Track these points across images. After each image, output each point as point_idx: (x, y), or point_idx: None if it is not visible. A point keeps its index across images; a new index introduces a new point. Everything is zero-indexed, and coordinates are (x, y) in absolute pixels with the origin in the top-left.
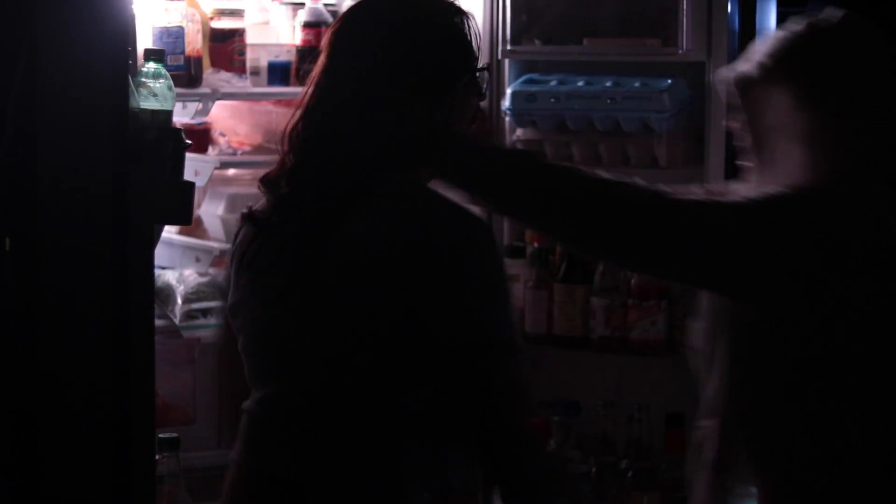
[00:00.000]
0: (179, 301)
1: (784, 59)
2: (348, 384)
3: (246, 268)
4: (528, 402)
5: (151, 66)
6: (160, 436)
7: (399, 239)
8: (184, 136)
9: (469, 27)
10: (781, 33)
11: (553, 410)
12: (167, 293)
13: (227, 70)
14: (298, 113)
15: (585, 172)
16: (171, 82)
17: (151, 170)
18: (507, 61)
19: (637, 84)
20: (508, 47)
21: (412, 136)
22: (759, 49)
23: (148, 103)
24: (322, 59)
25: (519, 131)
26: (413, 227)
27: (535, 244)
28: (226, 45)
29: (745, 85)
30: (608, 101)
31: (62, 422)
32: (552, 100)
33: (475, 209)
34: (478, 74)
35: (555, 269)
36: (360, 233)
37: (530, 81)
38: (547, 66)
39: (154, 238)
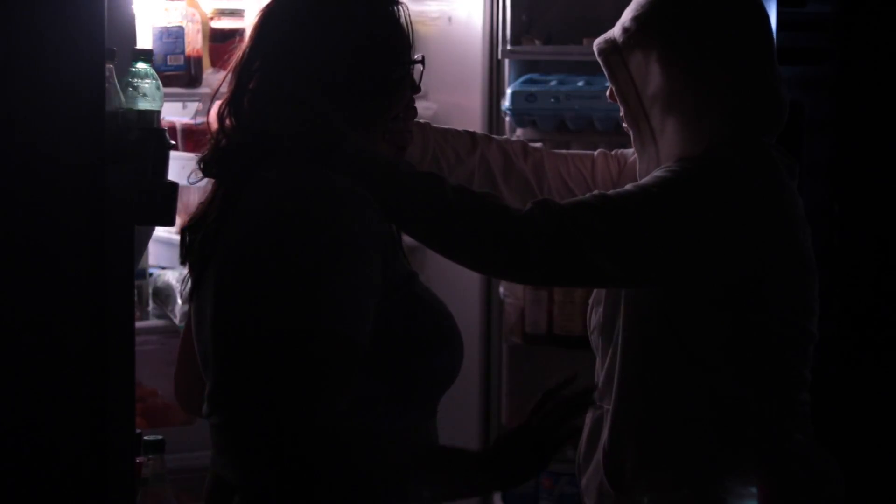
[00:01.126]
0: (179, 301)
1: (648, 21)
2: (243, 385)
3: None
4: (333, 400)
5: (140, 65)
6: (145, 438)
7: (246, 238)
8: (167, 136)
9: (403, 17)
10: None
11: None
12: (167, 293)
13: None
14: (229, 90)
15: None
16: (160, 82)
17: (133, 170)
18: (507, 61)
19: None
20: (508, 47)
21: (310, 138)
22: (625, 14)
23: (136, 103)
24: (252, 36)
25: (519, 131)
26: (264, 217)
27: None
28: (226, 45)
29: (610, 51)
30: (610, 100)
31: (34, 425)
32: (552, 100)
33: (351, 193)
34: (413, 67)
35: None
36: (230, 231)
37: (530, 81)
38: (547, 66)
39: (133, 238)
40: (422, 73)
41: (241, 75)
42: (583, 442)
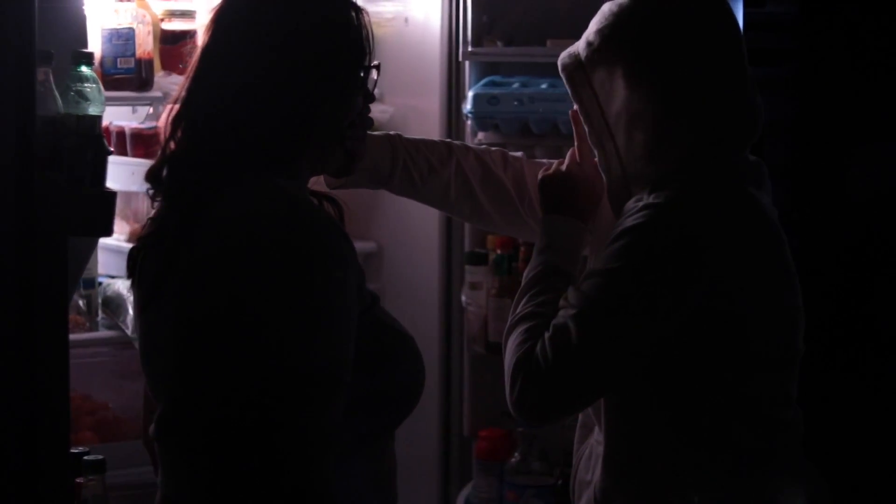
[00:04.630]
0: (131, 311)
1: (611, 35)
2: (195, 411)
3: (134, 278)
4: (327, 450)
5: (82, 69)
6: (85, 458)
7: (225, 258)
8: (106, 143)
9: (362, 23)
10: (608, 6)
11: (517, 421)
12: (118, 303)
13: (179, 73)
14: (182, 97)
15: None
16: (101, 86)
17: (69, 178)
18: (467, 63)
19: None
20: (469, 49)
21: (280, 139)
22: (589, 27)
23: (76, 108)
24: (203, 39)
25: (480, 135)
26: (239, 245)
27: (498, 251)
28: (177, 48)
29: (573, 67)
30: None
31: None
32: (515, 102)
33: (322, 220)
34: (369, 74)
35: (519, 276)
36: (193, 252)
37: (492, 84)
38: (508, 69)
39: (65, 250)
40: (376, 81)
41: (195, 80)
42: (576, 470)
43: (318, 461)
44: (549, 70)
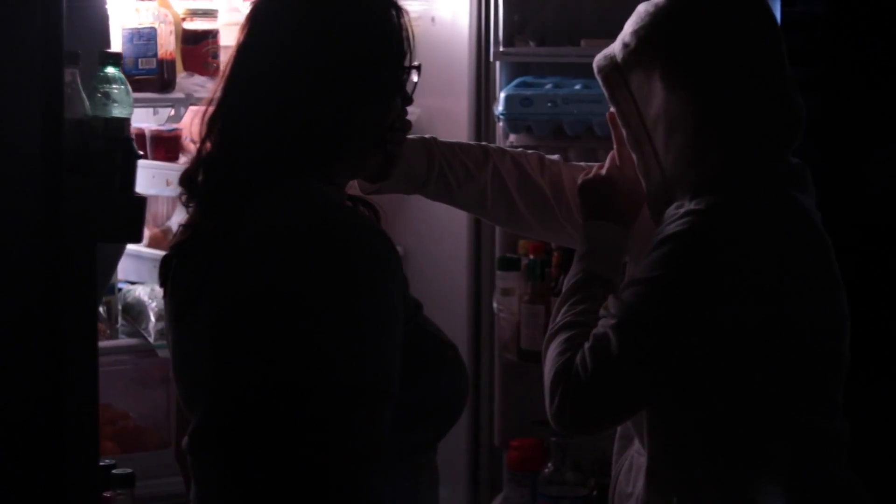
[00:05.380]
0: (153, 318)
1: (648, 36)
2: (241, 419)
3: (166, 287)
4: (374, 463)
5: (109, 70)
6: (113, 472)
7: (262, 271)
8: (135, 146)
9: (403, 24)
10: (644, 7)
11: (549, 430)
12: (139, 310)
13: (201, 73)
14: (218, 94)
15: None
16: (129, 87)
17: (97, 183)
18: (497, 64)
19: None
20: (501, 49)
21: (319, 141)
22: (625, 28)
23: (103, 110)
24: (240, 36)
25: (512, 137)
26: (277, 259)
27: (531, 256)
28: (199, 48)
29: (609, 69)
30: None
31: None
32: (549, 104)
33: (367, 227)
34: (409, 76)
35: (552, 281)
36: (233, 259)
37: (524, 85)
38: (539, 69)
39: (94, 256)
40: (416, 83)
41: (230, 80)
42: (616, 481)
43: (365, 478)
44: (581, 70)
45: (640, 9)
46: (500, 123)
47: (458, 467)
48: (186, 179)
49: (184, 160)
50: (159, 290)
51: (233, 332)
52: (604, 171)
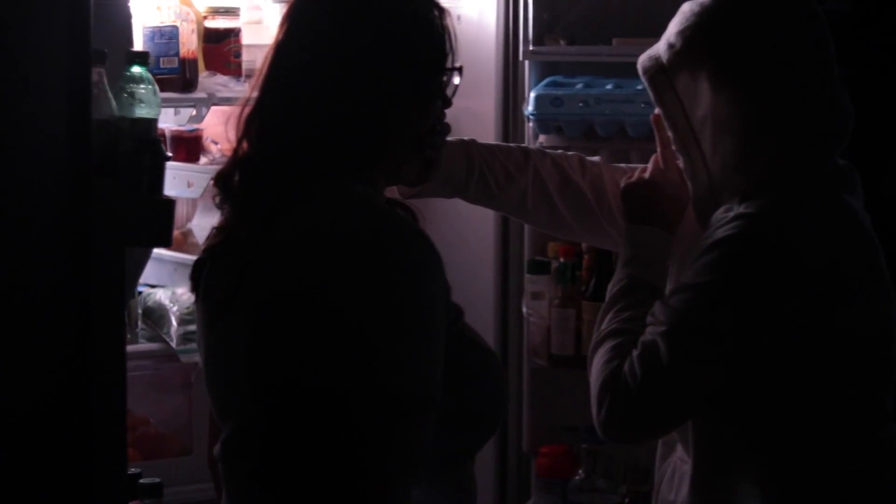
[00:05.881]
0: (175, 323)
1: (695, 36)
2: (279, 428)
3: (198, 292)
4: (416, 475)
5: (135, 69)
6: (141, 481)
7: (301, 275)
8: (164, 147)
9: (445, 24)
10: (689, 6)
11: (580, 436)
12: (160, 314)
13: (223, 73)
14: (255, 93)
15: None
16: (157, 87)
17: (125, 185)
18: (525, 63)
19: None
20: (531, 48)
21: (359, 143)
22: (669, 28)
23: (130, 111)
24: (278, 34)
25: (542, 138)
26: (316, 264)
27: (561, 259)
28: (221, 46)
29: (655, 70)
30: (643, 105)
31: (13, 472)
32: (580, 104)
33: (409, 231)
34: (449, 77)
35: (583, 285)
36: (270, 262)
37: (555, 84)
38: (568, 68)
39: (123, 262)
40: (457, 85)
41: (268, 79)
42: (659, 488)
43: (406, 490)
44: (612, 70)
45: (685, 8)
46: (530, 124)
47: (485, 474)
48: (222, 180)
49: (204, 161)
50: (180, 294)
51: (269, 336)
52: (647, 174)
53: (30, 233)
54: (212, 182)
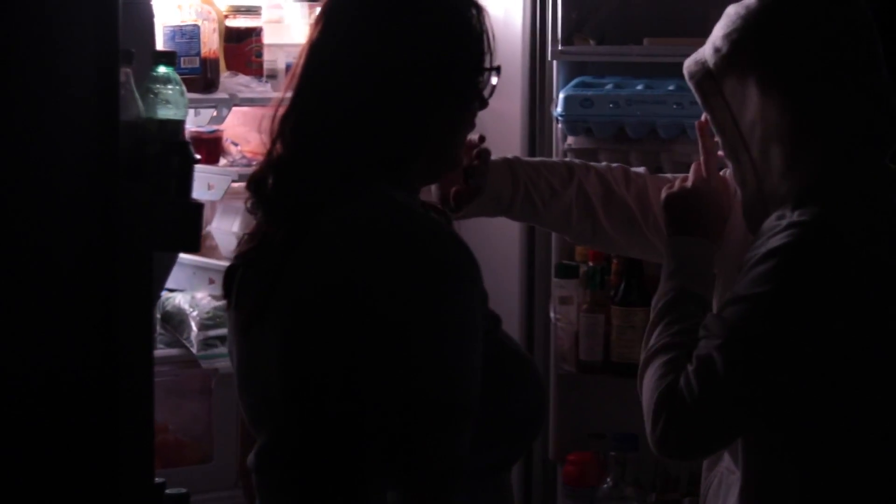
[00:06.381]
0: (195, 328)
1: (742, 40)
2: (314, 437)
3: (230, 299)
4: (456, 485)
5: (161, 69)
6: (167, 492)
7: (338, 282)
8: (192, 150)
9: (484, 24)
10: (735, 9)
11: (608, 444)
12: (180, 318)
13: (244, 73)
14: (289, 94)
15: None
16: (184, 88)
17: (153, 189)
18: (553, 63)
19: None
20: (559, 47)
21: (397, 145)
22: (715, 31)
23: (157, 112)
24: (313, 33)
25: (570, 139)
26: (353, 271)
27: (590, 263)
28: (242, 46)
29: (702, 75)
30: (675, 106)
31: (40, 483)
32: (611, 105)
33: (446, 236)
34: (487, 78)
35: (611, 290)
36: (305, 265)
37: (584, 85)
38: (596, 68)
39: (151, 267)
40: (495, 86)
41: (303, 79)
42: (705, 499)
43: (447, 501)
44: (642, 70)
45: (731, 10)
46: (558, 125)
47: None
48: (254, 183)
49: (224, 163)
50: (200, 298)
51: (304, 342)
52: (689, 184)
53: (57, 237)
54: (232, 184)
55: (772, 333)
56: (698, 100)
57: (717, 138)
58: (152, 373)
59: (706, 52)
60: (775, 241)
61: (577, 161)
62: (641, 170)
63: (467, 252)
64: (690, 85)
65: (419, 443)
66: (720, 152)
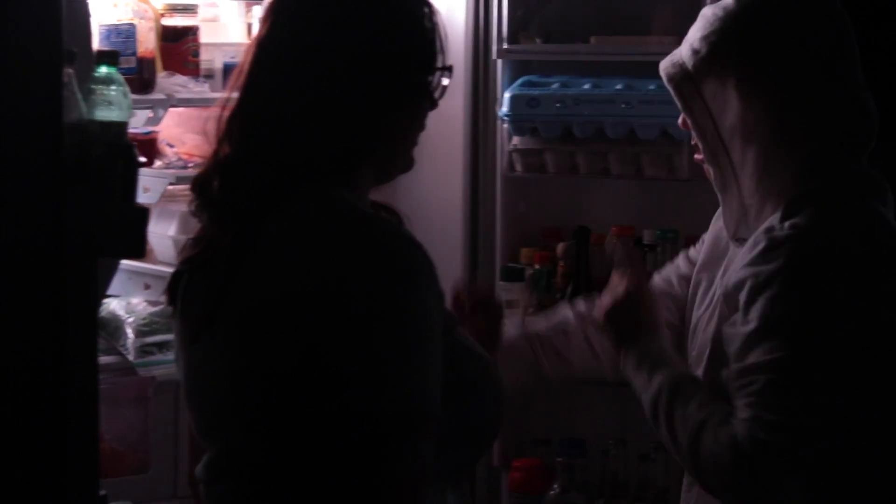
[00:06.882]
0: (131, 334)
1: (720, 42)
2: (270, 448)
3: (176, 306)
4: (422, 492)
5: (104, 69)
6: None
7: (292, 287)
8: (136, 152)
9: (434, 22)
10: (712, 10)
11: (555, 450)
12: (115, 325)
13: (181, 73)
14: (236, 93)
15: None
16: (127, 88)
17: (97, 192)
18: (498, 62)
19: (653, 86)
20: (505, 46)
21: (346, 146)
22: (691, 33)
23: (100, 113)
24: (261, 31)
25: (516, 140)
26: (308, 274)
27: (536, 265)
28: (179, 45)
29: (680, 77)
30: (622, 105)
31: None
32: (558, 104)
33: (399, 237)
34: (437, 78)
35: (558, 292)
36: (257, 270)
37: (530, 84)
38: (540, 68)
39: (96, 274)
40: (446, 87)
41: (251, 77)
42: None
43: None
44: (588, 69)
45: (707, 12)
46: (504, 125)
47: None
48: (199, 186)
49: (160, 164)
50: (136, 304)
51: (258, 350)
52: (620, 291)
53: (1, 242)
54: (168, 187)
55: (811, 356)
56: (678, 102)
57: (695, 141)
58: (97, 381)
59: (683, 53)
60: (773, 266)
61: (574, 307)
62: (580, 309)
63: (423, 252)
64: (669, 87)
65: (383, 451)
66: (698, 156)
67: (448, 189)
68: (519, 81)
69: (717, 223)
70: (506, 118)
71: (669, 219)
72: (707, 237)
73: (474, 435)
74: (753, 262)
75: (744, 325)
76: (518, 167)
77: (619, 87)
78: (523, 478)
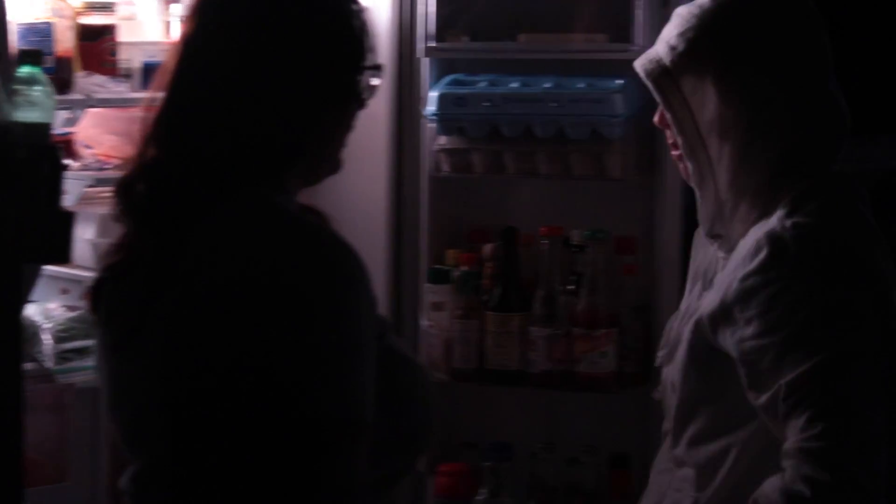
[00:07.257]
0: (49, 340)
1: (697, 40)
2: (199, 459)
3: (99, 314)
4: (355, 502)
5: (27, 69)
6: None
7: (224, 292)
8: (61, 155)
9: (363, 21)
10: (687, 9)
11: (482, 454)
12: (31, 331)
13: (99, 72)
14: (161, 97)
15: None
16: (50, 89)
17: (22, 196)
18: (423, 61)
19: (582, 85)
20: (432, 44)
21: (275, 147)
22: (666, 31)
23: (23, 114)
24: (186, 29)
25: (442, 139)
26: (241, 279)
27: (463, 267)
28: (97, 44)
29: (658, 73)
30: (552, 104)
31: None
32: (485, 103)
33: (331, 240)
34: (366, 77)
35: (485, 294)
36: (184, 277)
37: (457, 83)
38: (467, 66)
39: (21, 279)
40: (376, 87)
41: (176, 77)
42: None
43: None
44: (516, 67)
45: (682, 11)
46: (429, 125)
47: None
48: (123, 189)
49: (77, 166)
50: (53, 310)
51: (188, 360)
52: None
53: None
54: (86, 189)
55: (845, 363)
56: (658, 98)
57: (672, 139)
58: (23, 389)
59: (659, 50)
60: (773, 273)
61: None
62: None
63: (354, 255)
64: (648, 83)
65: (315, 461)
66: (675, 151)
67: (371, 190)
68: (446, 80)
69: (699, 244)
70: (432, 117)
71: (599, 219)
72: (691, 265)
73: (406, 442)
74: (761, 270)
75: (770, 336)
76: (445, 167)
77: (547, 85)
78: (450, 483)
